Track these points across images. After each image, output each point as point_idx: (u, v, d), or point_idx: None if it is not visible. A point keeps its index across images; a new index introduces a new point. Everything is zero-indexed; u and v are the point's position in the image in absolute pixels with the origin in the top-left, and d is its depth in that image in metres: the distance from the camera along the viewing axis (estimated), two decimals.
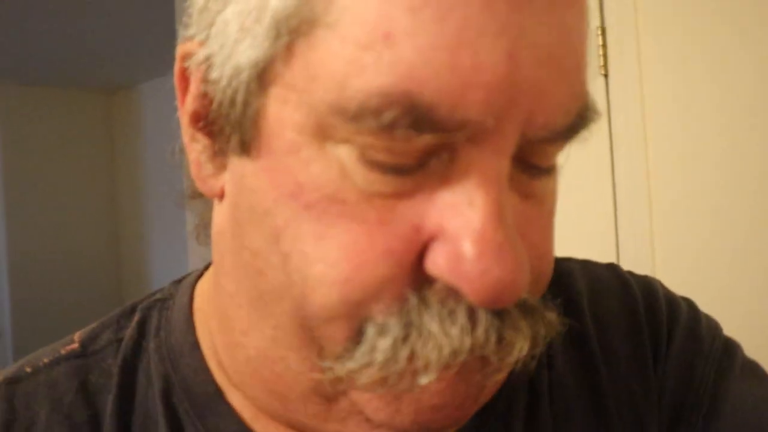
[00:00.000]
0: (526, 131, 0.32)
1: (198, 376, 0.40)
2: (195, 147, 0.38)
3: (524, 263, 0.31)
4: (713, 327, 0.49)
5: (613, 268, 0.52)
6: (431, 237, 0.32)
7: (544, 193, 0.36)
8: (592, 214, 1.44)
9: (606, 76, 1.44)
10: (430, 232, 0.32)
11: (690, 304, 0.50)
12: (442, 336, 0.32)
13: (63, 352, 0.42)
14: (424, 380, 0.32)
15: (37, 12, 3.40)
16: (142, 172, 5.02)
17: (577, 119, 0.33)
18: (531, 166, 0.34)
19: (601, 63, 1.43)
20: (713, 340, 0.48)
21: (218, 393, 0.40)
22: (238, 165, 0.36)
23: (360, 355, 0.33)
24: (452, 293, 0.32)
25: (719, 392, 0.45)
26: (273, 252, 0.34)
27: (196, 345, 0.41)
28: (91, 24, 3.63)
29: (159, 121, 4.82)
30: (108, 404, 0.39)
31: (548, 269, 0.37)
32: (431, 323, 0.32)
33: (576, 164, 1.51)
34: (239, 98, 0.34)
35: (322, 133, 0.32)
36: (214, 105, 0.36)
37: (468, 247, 0.31)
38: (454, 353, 0.32)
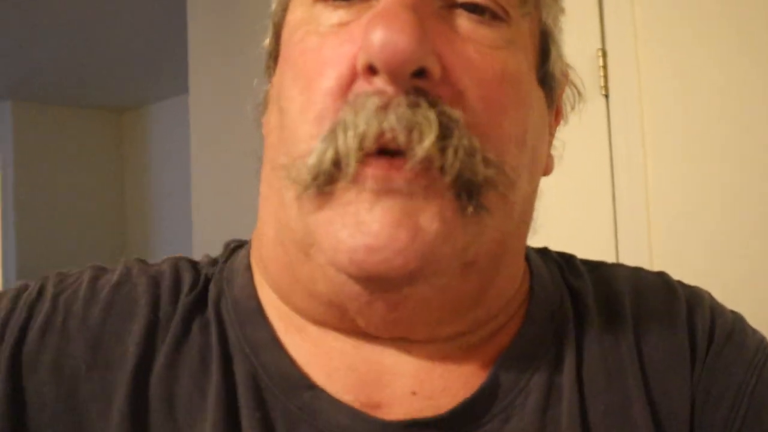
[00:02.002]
0: None
1: (244, 291, 0.46)
2: (268, 91, 0.49)
3: (419, 29, 0.37)
4: (759, 339, 0.49)
5: (662, 274, 0.53)
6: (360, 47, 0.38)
7: (495, 44, 0.41)
8: (592, 236, 1.45)
9: (606, 96, 1.46)
10: (360, 40, 0.38)
11: (737, 316, 0.50)
12: (353, 125, 0.37)
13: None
14: (348, 170, 0.37)
15: (50, 33, 3.45)
16: (149, 189, 5.06)
17: None
18: (469, 9, 0.41)
19: (602, 84, 1.45)
20: (757, 350, 0.47)
21: (258, 308, 0.45)
22: (274, 81, 0.47)
23: (306, 157, 0.39)
24: (370, 91, 0.38)
25: (759, 399, 0.45)
26: (278, 115, 0.43)
27: (248, 267, 0.47)
28: (103, 47, 3.68)
29: (166, 141, 4.86)
30: (181, 304, 0.45)
31: (497, 126, 0.40)
32: (347, 116, 0.38)
33: (576, 185, 1.53)
34: (278, 13, 0.46)
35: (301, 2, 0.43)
36: (271, 35, 0.48)
37: (370, 23, 0.37)
38: (363, 135, 0.37)
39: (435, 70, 0.38)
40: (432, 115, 0.37)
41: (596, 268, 0.53)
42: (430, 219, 0.38)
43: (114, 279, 0.46)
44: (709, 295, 0.52)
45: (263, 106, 0.49)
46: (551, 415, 0.43)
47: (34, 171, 4.82)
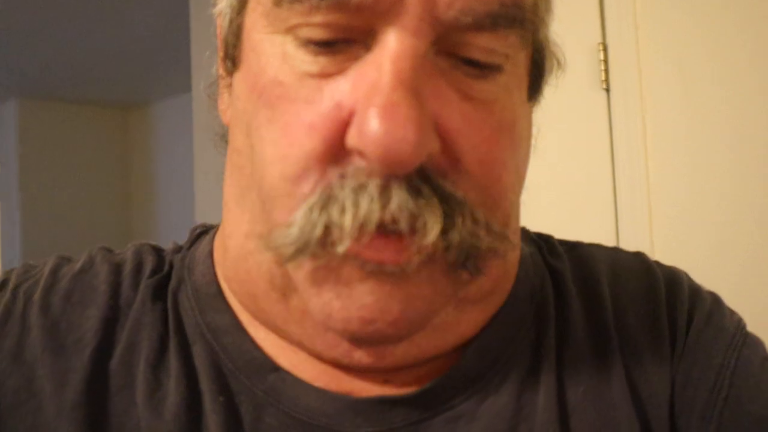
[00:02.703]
0: (435, 12, 0.35)
1: (205, 278, 0.45)
2: (221, 84, 0.45)
3: (420, 126, 0.34)
4: (737, 320, 0.48)
5: (639, 255, 0.52)
6: (351, 113, 0.36)
7: (491, 98, 0.38)
8: (593, 230, 1.45)
9: (607, 90, 1.46)
10: (350, 108, 0.36)
11: (715, 297, 0.50)
12: (352, 205, 0.35)
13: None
14: (340, 248, 0.35)
15: (56, 31, 3.46)
16: (154, 187, 5.07)
17: (500, 8, 0.36)
18: (468, 63, 0.37)
19: (603, 78, 1.45)
20: (736, 331, 0.47)
21: (219, 293, 0.44)
22: (233, 81, 0.42)
23: (285, 228, 0.36)
24: (367, 169, 0.35)
25: (739, 381, 0.44)
26: (246, 145, 0.40)
27: (210, 254, 0.47)
28: (108, 44, 3.69)
29: (171, 138, 4.87)
30: (141, 289, 0.45)
31: (496, 181, 0.38)
32: (344, 193, 0.35)
33: (577, 179, 1.52)
34: (227, 19, 0.41)
35: (270, 26, 0.38)
36: (222, 36, 0.43)
37: (365, 107, 0.34)
38: (365, 221, 0.35)
39: (435, 151, 0.36)
40: (435, 203, 0.35)
41: (574, 248, 0.52)
42: (421, 288, 0.37)
43: (76, 267, 0.46)
44: (687, 275, 0.51)
45: (216, 89, 0.47)
46: (528, 396, 0.43)
47: (38, 168, 4.83)
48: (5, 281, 0.45)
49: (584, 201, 1.46)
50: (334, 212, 0.35)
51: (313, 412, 0.41)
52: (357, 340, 0.39)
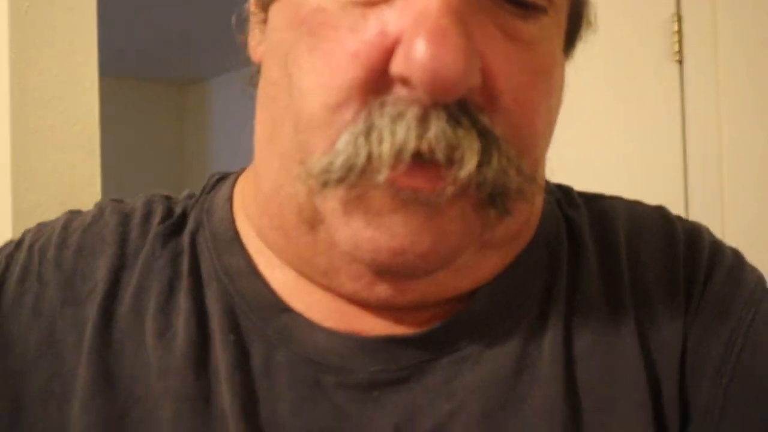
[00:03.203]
0: None
1: (223, 223, 0.46)
2: (252, 20, 0.45)
3: (468, 55, 0.34)
4: (757, 276, 0.48)
5: (660, 208, 0.52)
6: (396, 41, 0.35)
7: (535, 40, 0.39)
8: (664, 204, 1.41)
9: (680, 62, 1.42)
10: (396, 36, 0.35)
11: (736, 252, 0.49)
12: (390, 134, 0.35)
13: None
14: (379, 177, 0.35)
15: (111, 7, 3.51)
16: (210, 162, 5.14)
17: None
18: (512, 1, 0.37)
19: (676, 49, 1.42)
20: (755, 287, 0.46)
21: (236, 237, 0.45)
22: (270, 15, 0.42)
23: (328, 156, 0.37)
24: (408, 98, 0.35)
25: (756, 335, 0.44)
26: (283, 76, 0.39)
27: (229, 199, 0.47)
28: (164, 20, 3.73)
29: (227, 114, 4.92)
30: (150, 237, 0.46)
31: (530, 125, 0.39)
32: (383, 122, 0.35)
33: (647, 152, 1.48)
34: None
35: None
36: None
37: (413, 33, 0.34)
38: (400, 149, 0.35)
39: (476, 86, 0.36)
40: (474, 136, 0.36)
41: (593, 199, 0.51)
42: (453, 222, 0.38)
43: (87, 220, 0.47)
44: (708, 231, 0.50)
45: (246, 23, 0.47)
46: (535, 343, 0.43)
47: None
48: (20, 241, 0.47)
49: (653, 176, 1.43)
50: (374, 141, 0.35)
51: (322, 352, 0.42)
52: (383, 271, 0.40)
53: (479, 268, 0.43)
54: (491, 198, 0.37)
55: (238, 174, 0.50)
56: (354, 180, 0.36)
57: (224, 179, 0.50)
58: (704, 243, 0.48)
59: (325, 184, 0.37)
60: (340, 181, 0.36)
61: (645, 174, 1.44)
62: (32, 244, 0.46)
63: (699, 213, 1.38)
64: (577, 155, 1.34)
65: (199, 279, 0.44)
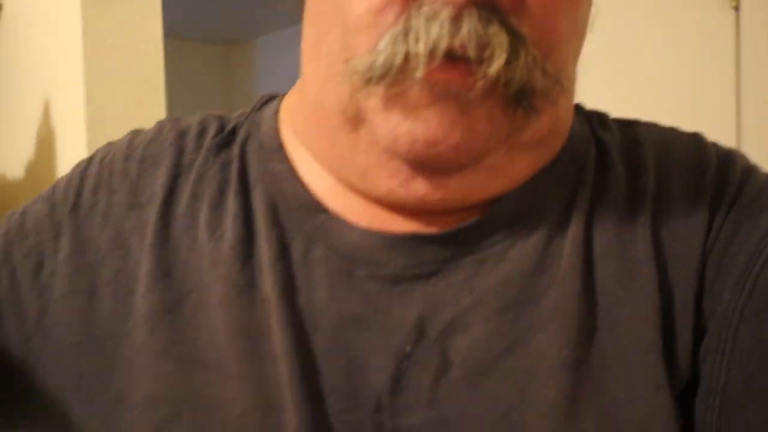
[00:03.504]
0: None
1: (270, 133, 0.51)
2: None
3: None
4: None
5: (695, 134, 0.52)
6: None
7: None
8: None
9: (737, 9, 1.39)
10: None
11: None
12: (425, 33, 0.38)
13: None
14: (417, 74, 0.39)
15: None
16: None
17: None
18: None
19: None
20: None
21: (281, 146, 0.50)
22: None
23: (371, 55, 0.40)
24: (442, 0, 0.38)
25: None
26: None
27: (276, 113, 0.52)
28: None
29: (274, 74, 4.94)
30: (204, 149, 0.51)
31: (554, 29, 0.42)
32: (419, 22, 0.39)
33: (700, 102, 1.46)
34: None
35: None
36: None
37: None
38: (434, 47, 0.38)
39: None
40: (503, 35, 0.39)
41: (629, 125, 0.52)
42: (482, 119, 0.41)
43: (148, 136, 0.53)
44: (745, 156, 0.51)
45: None
46: (555, 245, 0.45)
47: None
48: (92, 158, 0.53)
49: (706, 126, 1.40)
50: (411, 41, 0.39)
51: (354, 247, 0.46)
52: (418, 165, 0.43)
53: (508, 170, 0.46)
54: (518, 96, 0.41)
55: (285, 94, 0.54)
56: (393, 78, 0.39)
57: (272, 98, 0.55)
58: (737, 165, 0.49)
59: (367, 82, 0.40)
60: (381, 78, 0.40)
61: (697, 124, 1.41)
62: (102, 159, 0.52)
63: (754, 158, 1.35)
64: (629, 104, 1.32)
65: (246, 183, 0.49)
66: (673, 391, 0.42)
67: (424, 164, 0.43)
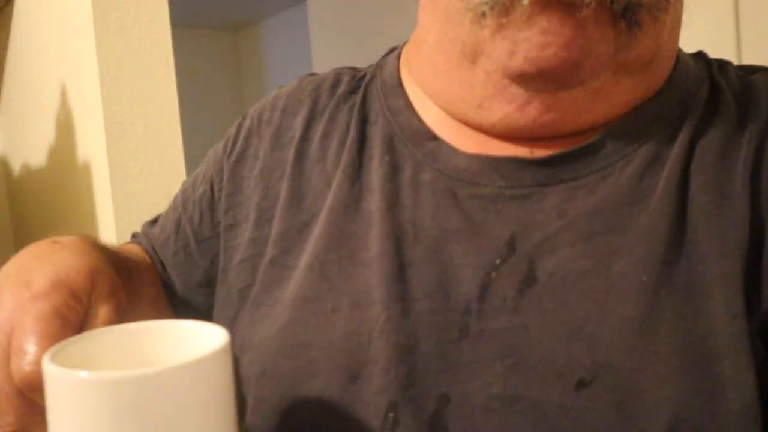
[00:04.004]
0: None
1: (391, 73, 0.58)
2: None
3: None
4: None
5: None
6: None
7: None
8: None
9: None
10: None
11: None
12: None
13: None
14: (524, 1, 0.43)
15: None
16: None
17: None
18: None
19: None
20: None
21: (399, 84, 0.57)
22: None
23: None
24: None
25: None
26: None
27: (397, 57, 0.59)
28: None
29: (283, 55, 4.93)
30: (336, 95, 0.59)
31: None
32: None
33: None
34: None
35: None
36: None
37: None
38: None
39: None
40: None
41: (750, 71, 0.53)
42: (589, 26, 0.44)
43: (289, 89, 0.62)
44: None
45: None
46: (650, 179, 0.47)
47: None
48: (246, 114, 0.63)
49: None
50: None
51: (459, 170, 0.50)
52: (533, 88, 0.46)
53: (613, 93, 0.48)
54: (624, 11, 0.43)
55: (404, 44, 0.60)
56: (502, 7, 0.44)
57: (395, 48, 0.61)
58: None
59: (483, 15, 0.45)
60: (493, 7, 0.44)
61: None
62: (253, 112, 0.62)
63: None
64: None
65: (366, 116, 0.56)
66: (751, 322, 0.42)
67: (538, 87, 0.47)
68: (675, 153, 0.47)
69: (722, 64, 0.54)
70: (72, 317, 0.43)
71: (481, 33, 0.46)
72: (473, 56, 0.48)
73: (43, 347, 0.40)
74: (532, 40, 0.44)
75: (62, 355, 0.39)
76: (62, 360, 0.38)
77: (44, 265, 0.45)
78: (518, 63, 0.45)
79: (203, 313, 0.60)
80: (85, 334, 0.44)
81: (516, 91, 0.47)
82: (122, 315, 0.47)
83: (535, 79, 0.46)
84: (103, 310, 0.45)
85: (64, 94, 1.44)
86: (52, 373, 0.37)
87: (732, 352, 0.41)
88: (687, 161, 0.47)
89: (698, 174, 0.46)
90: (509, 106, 0.48)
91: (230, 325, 0.54)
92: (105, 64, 1.24)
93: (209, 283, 0.60)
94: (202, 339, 0.41)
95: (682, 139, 0.48)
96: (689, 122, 0.49)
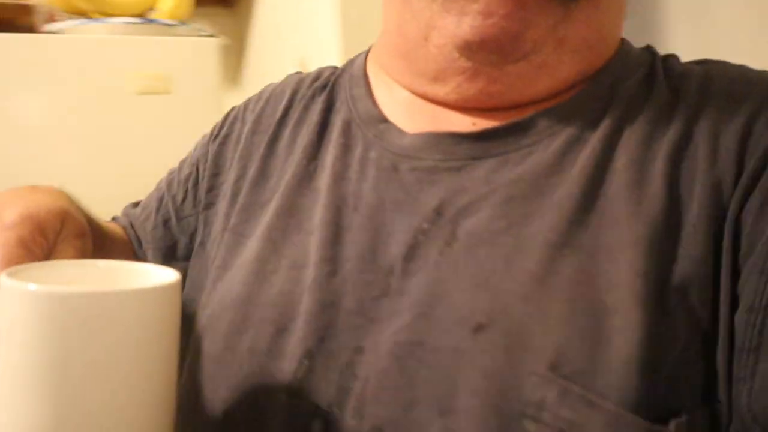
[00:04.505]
0: None
1: (358, 66, 0.63)
2: None
3: None
4: None
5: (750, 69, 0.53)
6: None
7: None
8: None
9: None
10: None
11: None
12: None
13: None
14: None
15: None
16: None
17: None
18: None
19: None
20: None
21: (364, 75, 0.62)
22: None
23: None
24: None
25: None
26: None
27: (366, 52, 0.65)
28: None
29: None
30: (313, 87, 0.65)
31: None
32: None
33: None
34: None
35: None
36: None
37: None
38: None
39: None
40: None
41: (697, 62, 0.55)
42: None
43: (276, 84, 0.68)
44: None
45: None
46: (573, 153, 0.50)
47: None
48: (241, 105, 0.69)
49: None
50: None
51: (403, 148, 0.54)
52: (480, 45, 0.49)
53: (555, 68, 0.52)
54: None
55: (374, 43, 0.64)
56: None
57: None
58: None
59: None
60: None
61: None
62: (244, 103, 0.68)
63: None
64: None
65: (332, 104, 0.61)
66: (656, 285, 0.44)
67: (484, 59, 0.50)
68: (599, 133, 0.50)
69: (668, 56, 0.56)
70: (36, 250, 0.45)
71: (433, 7, 0.50)
72: (426, 32, 0.52)
73: (3, 269, 0.41)
74: (477, 11, 0.48)
75: (21, 275, 0.40)
76: (19, 278, 0.39)
77: (18, 201, 0.48)
78: (464, 32, 0.49)
79: None
80: (49, 262, 0.45)
81: (465, 64, 0.51)
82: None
83: (481, 49, 0.50)
84: (68, 251, 0.48)
85: (303, 67, 1.56)
86: (4, 286, 0.38)
87: (626, 308, 0.43)
88: (611, 141, 0.49)
89: (622, 153, 0.49)
90: (459, 77, 0.52)
91: (202, 296, 0.58)
92: (347, 40, 1.31)
93: (185, 258, 0.64)
94: (159, 278, 0.43)
95: (609, 121, 0.50)
96: (617, 105, 0.51)
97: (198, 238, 0.63)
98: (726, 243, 0.45)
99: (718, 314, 0.44)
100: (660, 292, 0.44)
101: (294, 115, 0.63)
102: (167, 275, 0.43)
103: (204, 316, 0.55)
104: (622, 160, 0.49)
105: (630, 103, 0.51)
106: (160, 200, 0.68)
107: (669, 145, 0.48)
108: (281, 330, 0.50)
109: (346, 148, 0.57)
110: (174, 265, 0.58)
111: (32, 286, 0.37)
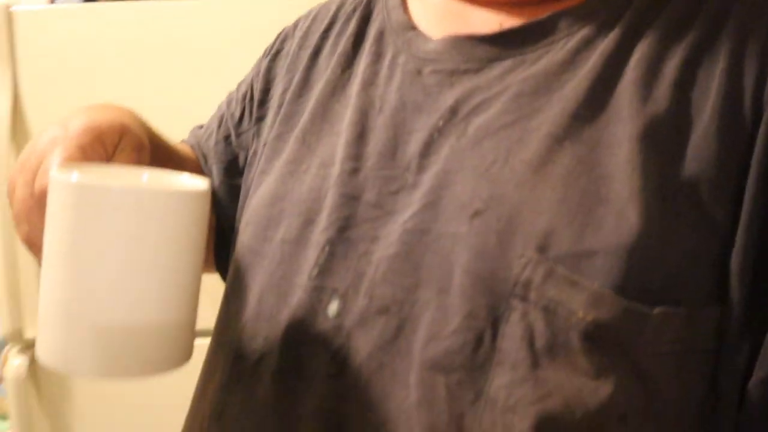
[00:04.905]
0: None
1: None
2: None
3: None
4: None
5: None
6: None
7: None
8: None
9: None
10: None
11: None
12: None
13: None
14: None
15: None
16: None
17: None
18: None
19: None
20: None
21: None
22: None
23: None
24: None
25: None
26: None
27: None
28: None
29: None
30: (356, 3, 0.68)
31: None
32: None
33: None
34: None
35: None
36: None
37: None
38: None
39: None
40: None
41: None
42: None
43: (323, 4, 0.71)
44: None
45: None
46: (585, 53, 0.51)
47: None
48: (293, 23, 0.74)
49: None
50: None
51: (428, 53, 0.58)
52: None
53: None
54: None
55: None
56: None
57: None
58: None
59: None
60: None
61: None
62: (295, 22, 0.73)
63: None
64: None
65: (369, 16, 0.65)
66: (657, 181, 0.45)
67: None
68: (616, 33, 0.51)
69: None
70: (94, 157, 0.51)
71: None
72: None
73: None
74: None
75: (67, 171, 0.45)
76: (64, 172, 0.44)
77: (84, 114, 0.53)
78: None
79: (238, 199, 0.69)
80: (103, 165, 0.50)
81: None
82: None
83: None
84: (124, 161, 0.53)
85: None
86: (52, 177, 0.43)
87: (621, 199, 0.45)
88: (628, 41, 0.50)
89: (637, 53, 0.50)
90: None
91: (248, 200, 0.64)
92: None
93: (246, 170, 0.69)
94: (182, 185, 0.49)
95: (627, 21, 0.51)
96: (638, 6, 0.52)
97: (251, 150, 0.69)
98: (758, 147, 0.45)
99: (737, 217, 0.45)
100: (662, 188, 0.45)
101: (335, 29, 0.67)
102: (192, 183, 0.48)
103: (247, 214, 0.61)
104: (635, 59, 0.50)
105: (651, 4, 0.52)
106: (221, 118, 0.74)
107: (688, 47, 0.49)
108: (308, 222, 0.55)
109: (377, 56, 0.61)
110: (236, 178, 0.70)
111: (74, 177, 0.42)
